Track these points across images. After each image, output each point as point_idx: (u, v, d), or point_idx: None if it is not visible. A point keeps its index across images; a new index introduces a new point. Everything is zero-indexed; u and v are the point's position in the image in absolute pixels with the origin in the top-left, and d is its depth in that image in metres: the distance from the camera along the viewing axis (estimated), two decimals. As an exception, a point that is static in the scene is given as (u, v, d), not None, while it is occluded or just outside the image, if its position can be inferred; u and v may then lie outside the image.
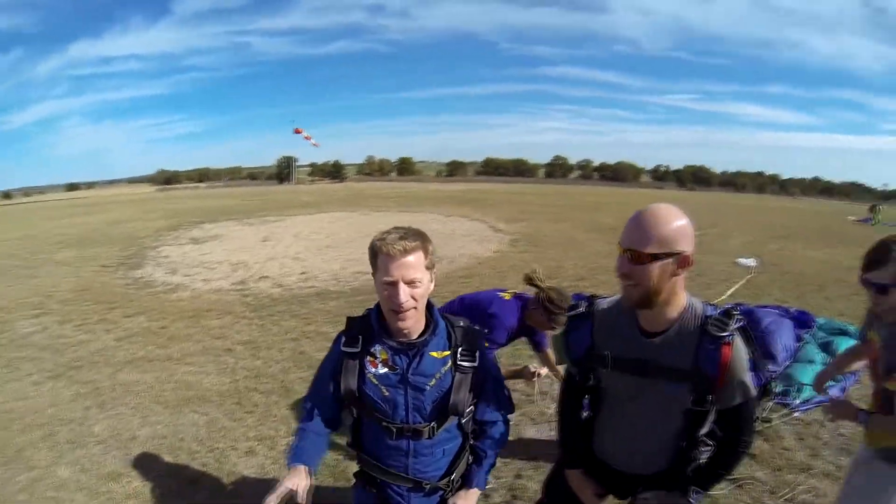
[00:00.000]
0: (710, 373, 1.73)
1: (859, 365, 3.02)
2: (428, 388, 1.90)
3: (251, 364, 5.93)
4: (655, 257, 1.65)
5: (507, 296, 3.64)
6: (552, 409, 4.39)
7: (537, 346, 4.04)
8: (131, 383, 5.46)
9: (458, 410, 1.95)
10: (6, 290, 9.89)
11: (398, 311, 1.79)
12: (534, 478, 3.78)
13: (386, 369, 1.88)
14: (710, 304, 1.83)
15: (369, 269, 1.85)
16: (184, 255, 13.22)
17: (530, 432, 4.41)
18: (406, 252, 1.76)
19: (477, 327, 2.07)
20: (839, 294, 9.25)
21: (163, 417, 4.76)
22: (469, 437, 2.10)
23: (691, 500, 1.92)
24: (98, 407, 4.96)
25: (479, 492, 2.07)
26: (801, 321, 6.46)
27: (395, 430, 1.92)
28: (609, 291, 2.09)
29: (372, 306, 1.99)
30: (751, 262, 11.97)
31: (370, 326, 1.92)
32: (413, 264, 1.78)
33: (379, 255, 1.78)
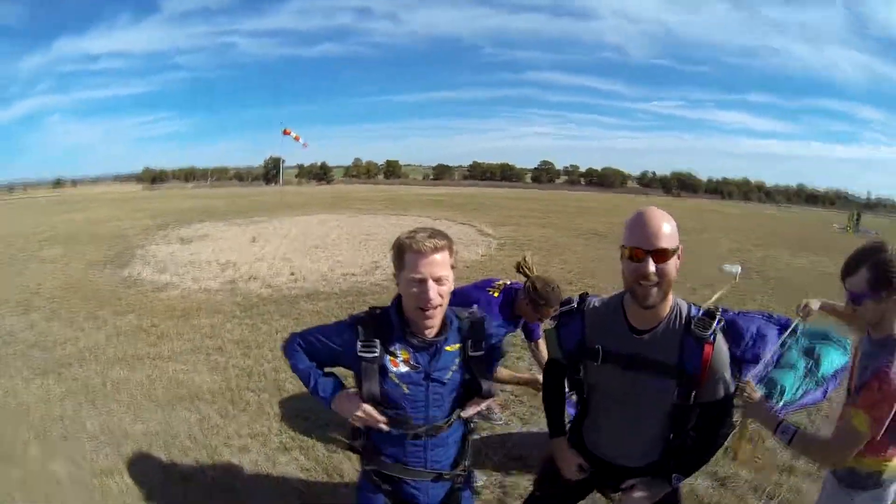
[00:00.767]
0: (693, 370, 1.84)
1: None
2: (447, 380, 1.96)
3: (242, 363, 5.94)
4: (674, 251, 1.76)
5: (495, 292, 3.66)
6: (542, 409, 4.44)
7: (529, 335, 4.08)
8: (122, 381, 5.46)
9: (491, 393, 2.04)
10: (-8, 287, 9.82)
11: (426, 308, 1.83)
12: (524, 474, 3.83)
13: (408, 368, 1.92)
14: (695, 305, 1.93)
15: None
16: (172, 255, 13.16)
17: (520, 430, 4.46)
18: (436, 250, 1.81)
19: (480, 314, 2.12)
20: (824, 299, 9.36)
21: (155, 414, 4.76)
22: (469, 423, 2.15)
23: (673, 484, 2.02)
24: (90, 404, 4.96)
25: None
26: (785, 326, 6.54)
27: (415, 433, 1.97)
28: (596, 294, 2.16)
29: (368, 308, 2.03)
30: (735, 268, 12.00)
31: (389, 325, 1.94)
32: (441, 262, 1.83)
33: (407, 252, 1.82)
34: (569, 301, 2.12)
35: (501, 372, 3.61)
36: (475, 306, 3.44)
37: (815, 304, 3.48)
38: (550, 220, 23.81)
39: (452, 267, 1.90)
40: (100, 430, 4.49)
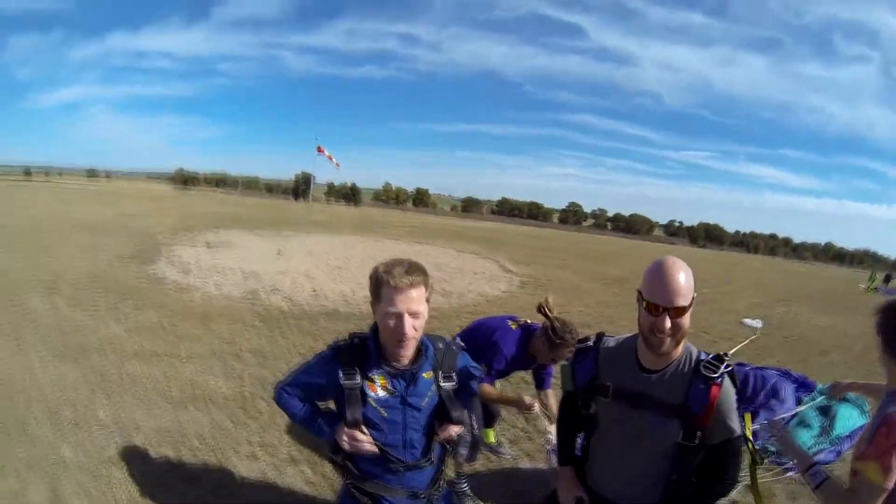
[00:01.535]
0: (698, 410, 1.84)
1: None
2: (423, 406, 2.03)
3: (258, 372, 5.93)
4: (690, 307, 1.79)
5: (514, 325, 3.66)
6: (548, 445, 4.40)
7: (540, 383, 4.02)
8: (138, 375, 5.48)
9: (462, 420, 2.09)
10: (20, 265, 9.98)
11: (402, 339, 1.89)
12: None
13: (385, 393, 1.98)
14: (705, 351, 1.95)
15: None
16: (197, 258, 13.31)
17: (526, 466, 4.41)
18: (412, 286, 1.86)
19: (455, 345, 2.19)
20: (842, 360, 9.33)
21: (167, 412, 4.76)
22: (447, 447, 2.18)
23: None
24: (104, 393, 4.98)
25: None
26: (802, 383, 6.48)
27: (396, 469, 2.03)
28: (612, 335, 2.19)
29: (362, 332, 2.08)
30: (756, 323, 11.99)
31: (367, 353, 2.00)
32: (416, 298, 1.88)
33: (384, 286, 1.87)
34: (586, 339, 2.16)
35: (490, 390, 3.59)
36: (494, 332, 3.45)
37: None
38: (574, 263, 23.80)
39: (427, 301, 1.95)
40: (111, 420, 4.50)
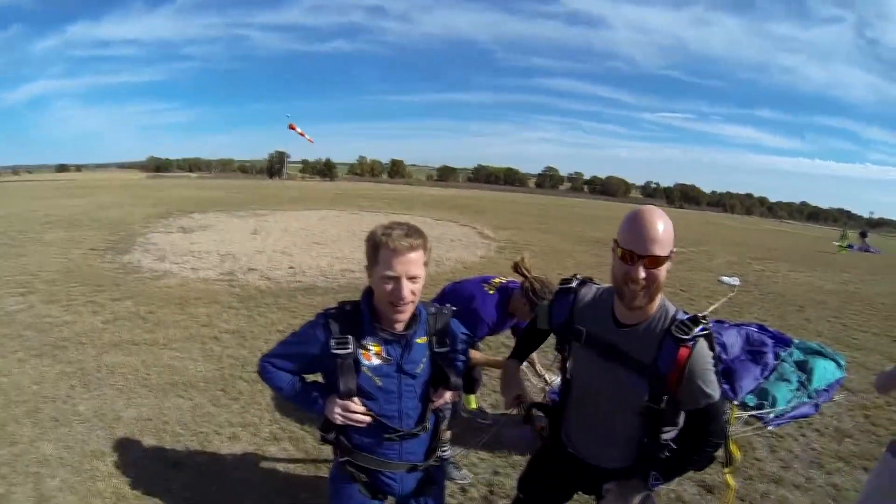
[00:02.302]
0: (664, 371, 1.80)
1: None
2: (418, 372, 2.00)
3: (237, 353, 5.95)
4: (667, 258, 1.74)
5: (490, 289, 3.64)
6: (548, 387, 4.45)
7: (517, 333, 3.97)
8: (117, 365, 5.46)
9: (458, 386, 2.06)
10: (-8, 268, 9.84)
11: (398, 304, 1.85)
12: (511, 475, 3.86)
13: (379, 361, 1.94)
14: (684, 311, 1.90)
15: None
16: (172, 244, 13.16)
17: (510, 433, 4.45)
18: (411, 249, 1.82)
19: (446, 309, 2.16)
20: (819, 316, 9.50)
21: (148, 400, 4.77)
22: (440, 415, 2.18)
23: (650, 486, 1.98)
24: (83, 387, 4.97)
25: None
26: (779, 339, 6.60)
27: (389, 437, 2.01)
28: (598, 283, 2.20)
29: (353, 299, 2.04)
30: (734, 280, 12.13)
31: (359, 319, 1.95)
32: (416, 261, 1.84)
33: (382, 248, 1.82)
34: (569, 280, 2.15)
35: (475, 355, 3.58)
36: (472, 301, 3.44)
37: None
38: (552, 226, 23.86)
39: (426, 264, 1.91)
40: (92, 413, 4.50)
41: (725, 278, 12.39)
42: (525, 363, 3.56)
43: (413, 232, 1.86)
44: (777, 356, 6.03)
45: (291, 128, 30.71)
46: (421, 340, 2.01)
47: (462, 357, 2.21)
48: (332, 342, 1.90)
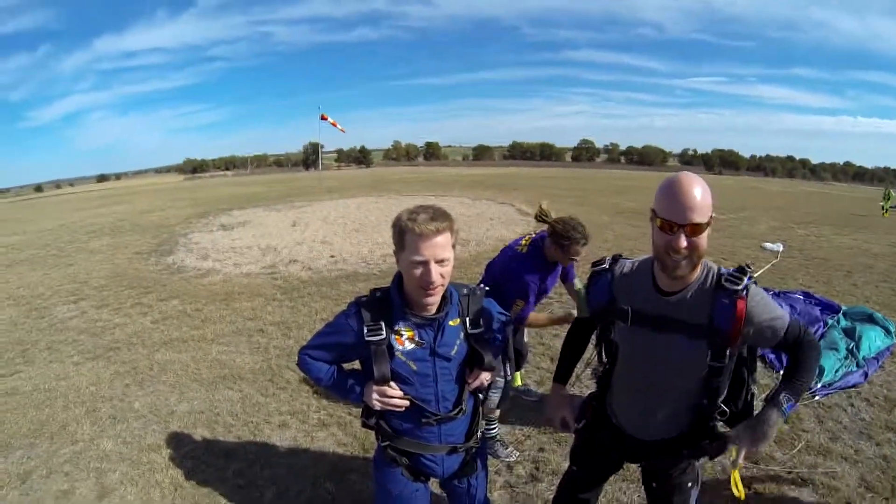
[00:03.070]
0: (725, 327, 1.76)
1: None
2: (452, 355, 1.98)
3: (283, 343, 6.07)
4: (707, 225, 1.69)
5: (522, 248, 3.63)
6: (578, 388, 4.43)
7: (564, 277, 4.02)
8: (168, 362, 5.63)
9: (493, 366, 2.05)
10: (44, 278, 10.20)
11: (427, 288, 1.83)
12: (557, 451, 3.87)
13: (413, 345, 1.94)
14: (723, 268, 1.85)
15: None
16: (214, 242, 13.45)
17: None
18: (438, 232, 1.79)
19: (479, 289, 2.13)
20: (866, 281, 9.09)
21: (199, 394, 4.91)
22: (479, 396, 2.18)
23: (786, 411, 1.82)
24: (137, 385, 5.14)
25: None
26: (826, 305, 6.45)
27: (428, 422, 2.02)
28: (629, 257, 2.14)
29: (383, 286, 2.04)
30: (777, 246, 11.80)
31: (390, 305, 1.95)
32: (443, 244, 1.81)
33: (408, 234, 1.79)
34: (601, 261, 2.09)
35: (536, 317, 3.63)
36: (511, 272, 3.42)
37: None
38: (590, 199, 23.64)
39: (454, 246, 1.89)
40: (147, 409, 4.65)
41: (768, 244, 12.07)
42: None
43: (439, 215, 1.82)
44: (825, 324, 5.89)
45: (324, 118, 30.72)
46: (454, 323, 2.00)
47: (498, 336, 2.19)
48: (365, 329, 1.90)
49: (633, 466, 2.49)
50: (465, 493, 2.25)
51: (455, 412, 2.04)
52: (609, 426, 2.22)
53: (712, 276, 1.81)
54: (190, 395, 4.89)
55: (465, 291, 2.08)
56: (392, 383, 1.93)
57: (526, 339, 4.36)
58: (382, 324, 1.90)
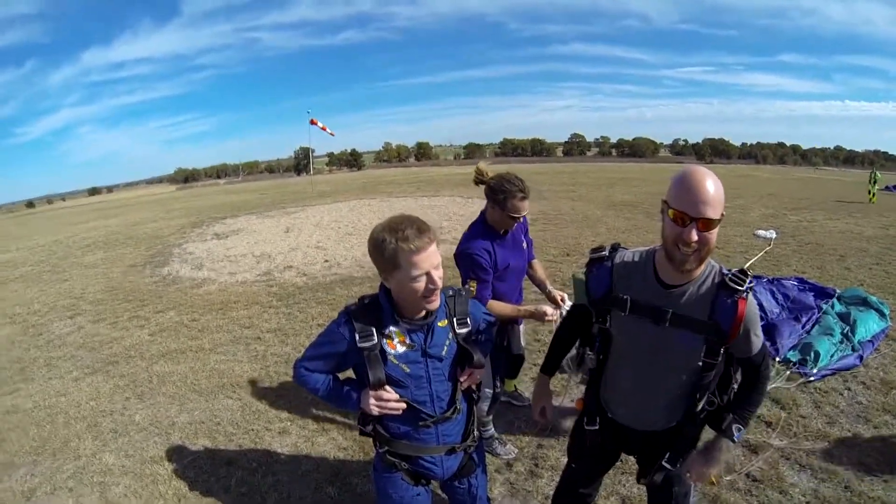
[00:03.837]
0: (725, 325, 1.79)
1: None
2: (443, 355, 2.03)
3: (281, 350, 6.10)
4: (719, 221, 1.69)
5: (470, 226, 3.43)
6: (573, 381, 4.46)
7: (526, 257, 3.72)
8: (167, 374, 5.65)
9: (482, 363, 2.10)
10: (39, 295, 10.21)
11: (431, 296, 1.87)
12: (555, 447, 3.89)
13: (405, 348, 1.97)
14: (726, 267, 1.88)
15: None
16: (208, 251, 13.43)
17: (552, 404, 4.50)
18: (430, 242, 1.83)
19: (464, 291, 2.17)
20: (860, 264, 9.12)
21: (199, 404, 4.94)
22: (473, 395, 2.23)
23: (736, 438, 1.98)
24: (137, 398, 5.16)
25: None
26: (820, 291, 6.49)
27: (425, 424, 2.06)
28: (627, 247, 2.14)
29: (371, 293, 2.06)
30: (770, 233, 11.85)
31: (380, 310, 1.97)
32: (435, 251, 1.86)
33: (401, 253, 1.80)
34: (601, 248, 2.09)
35: (501, 306, 3.24)
36: (461, 245, 3.29)
37: None
38: (582, 193, 23.61)
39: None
40: (148, 421, 4.68)
41: (761, 232, 12.12)
42: (555, 313, 3.42)
43: (423, 226, 1.85)
44: (819, 308, 5.93)
45: (313, 122, 30.74)
46: (442, 324, 2.04)
47: (484, 336, 2.27)
48: (357, 336, 1.93)
49: (632, 459, 2.51)
50: (466, 493, 2.30)
51: (450, 412, 2.08)
52: (603, 419, 2.25)
53: (715, 274, 1.84)
54: (190, 406, 4.91)
55: (450, 293, 2.12)
56: (387, 387, 1.96)
57: (523, 343, 4.15)
58: (373, 329, 1.93)
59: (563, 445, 3.79)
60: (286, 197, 29.66)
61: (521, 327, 3.97)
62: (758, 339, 1.90)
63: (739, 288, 1.77)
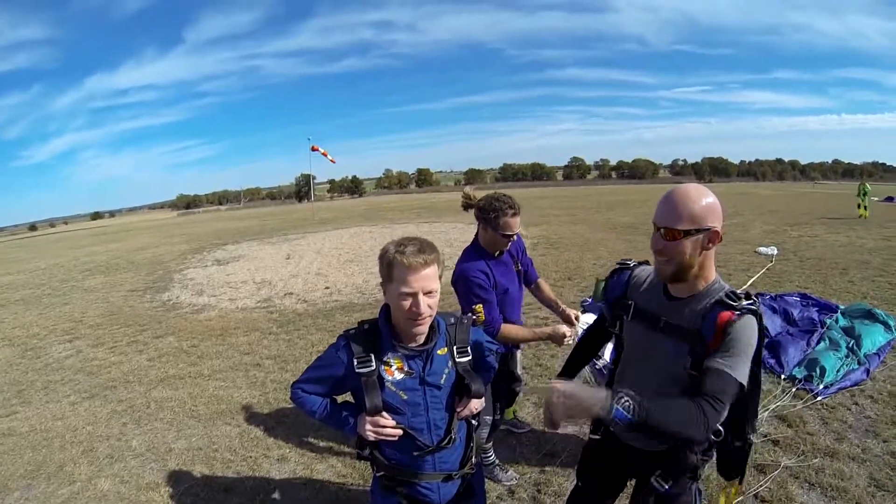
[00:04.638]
0: (708, 334, 1.75)
1: None
2: (442, 383, 2.01)
3: (280, 377, 6.05)
4: (687, 233, 1.73)
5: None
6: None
7: (528, 280, 3.74)
8: (165, 400, 5.61)
9: (481, 393, 2.06)
10: (39, 318, 10.19)
11: (417, 319, 1.87)
12: (559, 473, 3.84)
13: (402, 375, 1.96)
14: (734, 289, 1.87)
15: None
16: (209, 277, 13.44)
17: (555, 432, 4.44)
18: (426, 265, 1.83)
19: (466, 318, 2.16)
20: (862, 277, 9.16)
21: (197, 430, 4.88)
22: (472, 423, 2.20)
23: (611, 410, 1.51)
24: (134, 423, 5.11)
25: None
26: (824, 306, 6.48)
27: (422, 452, 2.03)
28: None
29: (371, 318, 2.06)
30: (771, 250, 11.91)
31: (379, 336, 1.98)
32: (430, 276, 1.85)
33: (396, 266, 1.83)
34: (627, 260, 2.21)
35: (518, 331, 3.23)
36: (458, 274, 3.26)
37: None
38: (582, 217, 23.74)
39: (440, 277, 1.92)
40: (145, 447, 4.62)
41: (762, 249, 12.18)
42: (570, 332, 3.34)
43: (426, 247, 1.87)
44: (822, 324, 5.91)
45: (314, 149, 31.01)
46: (441, 352, 2.03)
47: (486, 364, 2.25)
48: (355, 361, 1.92)
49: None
50: None
51: (446, 441, 2.05)
52: (606, 430, 2.25)
53: (718, 293, 1.83)
54: (188, 432, 4.86)
55: (451, 321, 2.11)
56: (384, 413, 1.94)
57: (520, 370, 3.96)
58: (372, 356, 1.93)
59: (566, 472, 3.79)
60: (287, 223, 29.78)
61: (519, 353, 3.89)
62: (733, 362, 1.67)
63: (732, 303, 1.76)
